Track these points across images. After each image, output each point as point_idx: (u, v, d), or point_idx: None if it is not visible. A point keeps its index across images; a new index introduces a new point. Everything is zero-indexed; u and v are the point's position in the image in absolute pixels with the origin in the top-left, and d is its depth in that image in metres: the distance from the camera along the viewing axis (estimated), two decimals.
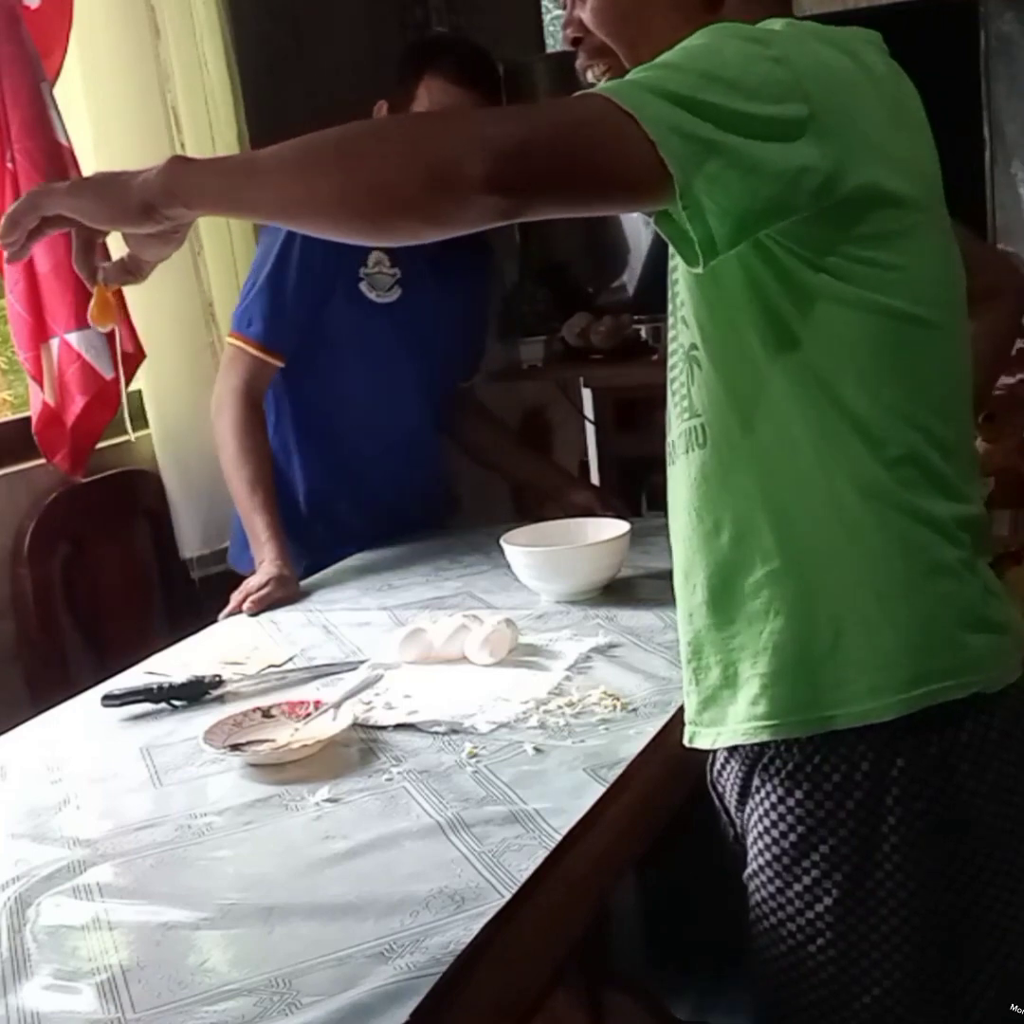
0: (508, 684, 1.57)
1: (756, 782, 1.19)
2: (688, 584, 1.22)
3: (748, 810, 1.21)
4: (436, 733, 1.45)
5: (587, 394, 3.74)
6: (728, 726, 1.19)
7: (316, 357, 2.28)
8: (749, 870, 1.21)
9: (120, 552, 2.48)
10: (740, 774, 1.21)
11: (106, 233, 1.15)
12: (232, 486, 2.20)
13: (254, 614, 1.98)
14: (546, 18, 4.02)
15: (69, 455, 2.31)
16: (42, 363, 2.27)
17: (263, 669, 1.72)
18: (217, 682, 1.65)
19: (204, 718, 1.54)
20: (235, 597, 2.02)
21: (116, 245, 1.20)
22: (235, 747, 1.44)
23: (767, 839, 1.18)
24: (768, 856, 1.18)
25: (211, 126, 2.56)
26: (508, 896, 1.09)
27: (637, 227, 3.60)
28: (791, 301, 1.10)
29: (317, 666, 1.72)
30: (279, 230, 2.21)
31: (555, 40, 4.01)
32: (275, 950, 1.04)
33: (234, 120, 2.60)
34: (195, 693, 1.63)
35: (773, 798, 1.17)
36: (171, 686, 1.64)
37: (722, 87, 0.99)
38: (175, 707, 1.62)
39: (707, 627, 1.20)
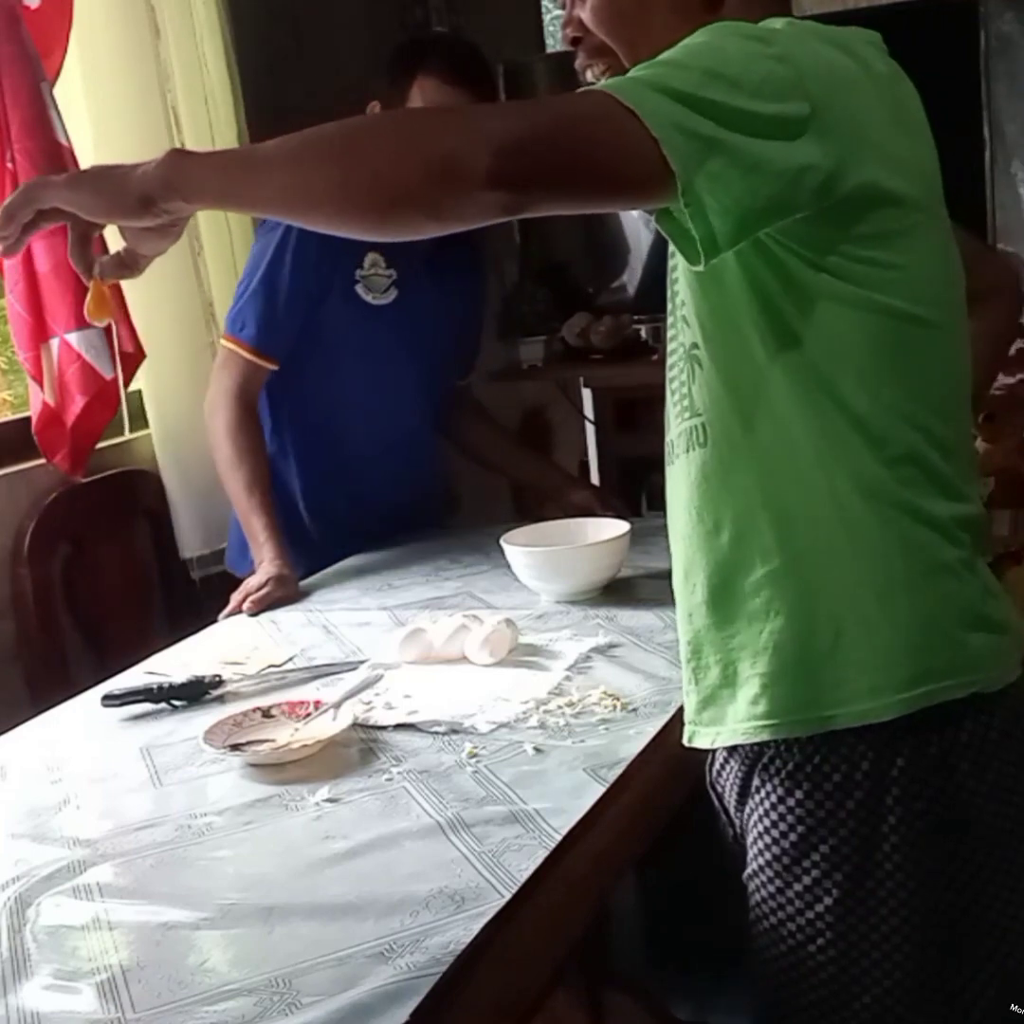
0: (508, 684, 1.57)
1: (756, 782, 1.19)
2: (688, 583, 1.22)
3: (748, 810, 1.21)
4: (436, 733, 1.45)
5: (587, 394, 3.74)
6: (728, 725, 1.19)
7: (313, 359, 2.28)
8: (749, 870, 1.21)
9: (120, 552, 2.48)
10: (740, 774, 1.21)
11: (103, 226, 1.14)
12: (228, 488, 2.20)
13: (254, 614, 1.98)
14: (546, 18, 4.03)
15: (69, 455, 2.31)
16: (42, 363, 2.28)
17: (263, 669, 1.72)
18: (217, 682, 1.65)
19: (204, 718, 1.54)
20: (235, 597, 2.02)
21: (113, 239, 1.19)
22: (235, 747, 1.44)
23: (767, 839, 1.18)
24: (768, 856, 1.18)
25: (211, 126, 2.56)
26: (508, 896, 1.09)
27: (637, 227, 3.60)
28: (791, 300, 1.10)
29: (317, 666, 1.72)
30: (273, 232, 2.21)
31: (555, 40, 4.01)
32: (275, 950, 1.04)
33: (234, 120, 2.60)
34: (195, 693, 1.63)
35: (773, 798, 1.17)
36: (171, 686, 1.64)
37: (724, 85, 0.99)
38: (175, 707, 1.62)
39: (707, 627, 1.20)
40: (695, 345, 1.16)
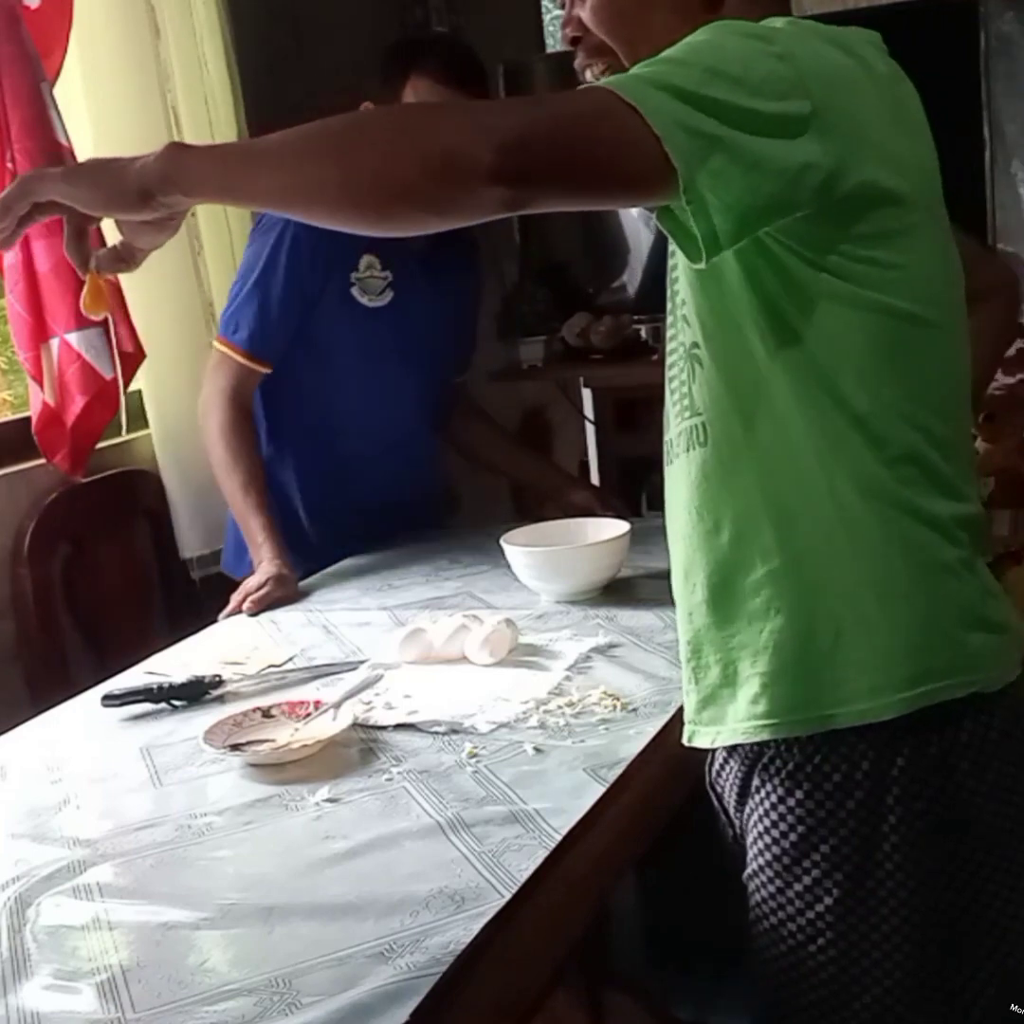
0: (508, 684, 1.57)
1: (756, 782, 1.19)
2: (688, 583, 1.22)
3: (748, 810, 1.21)
4: (436, 733, 1.45)
5: (587, 394, 3.74)
6: (728, 725, 1.19)
7: (309, 362, 2.27)
8: (749, 870, 1.21)
9: (120, 552, 2.49)
10: (739, 774, 1.21)
11: (99, 220, 1.13)
12: (224, 489, 2.20)
13: (254, 614, 1.98)
14: (546, 18, 4.03)
15: (69, 455, 2.31)
16: (42, 363, 2.28)
17: (263, 669, 1.72)
18: (217, 682, 1.65)
19: (204, 718, 1.54)
20: (235, 597, 2.02)
21: (110, 233, 1.19)
22: (235, 747, 1.44)
23: (767, 839, 1.18)
24: (768, 856, 1.18)
25: (211, 126, 2.56)
26: (508, 896, 1.09)
27: (637, 227, 3.60)
28: (792, 300, 1.10)
29: (317, 666, 1.72)
30: (269, 234, 2.20)
31: (555, 40, 4.01)
32: (275, 950, 1.04)
33: (234, 120, 2.61)
34: (195, 693, 1.63)
35: (773, 798, 1.17)
36: (171, 686, 1.64)
37: (726, 83, 0.99)
38: (175, 707, 1.62)
39: (707, 626, 1.20)
40: (695, 344, 1.16)
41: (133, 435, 2.53)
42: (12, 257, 2.23)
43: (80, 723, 1.64)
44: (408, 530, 2.33)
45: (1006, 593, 1.21)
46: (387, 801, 1.29)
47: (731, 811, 1.26)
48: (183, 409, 2.46)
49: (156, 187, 1.05)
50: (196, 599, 2.49)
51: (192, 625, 1.98)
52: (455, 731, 1.44)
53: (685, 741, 1.26)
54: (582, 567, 1.88)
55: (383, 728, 1.47)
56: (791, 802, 1.15)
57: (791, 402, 1.12)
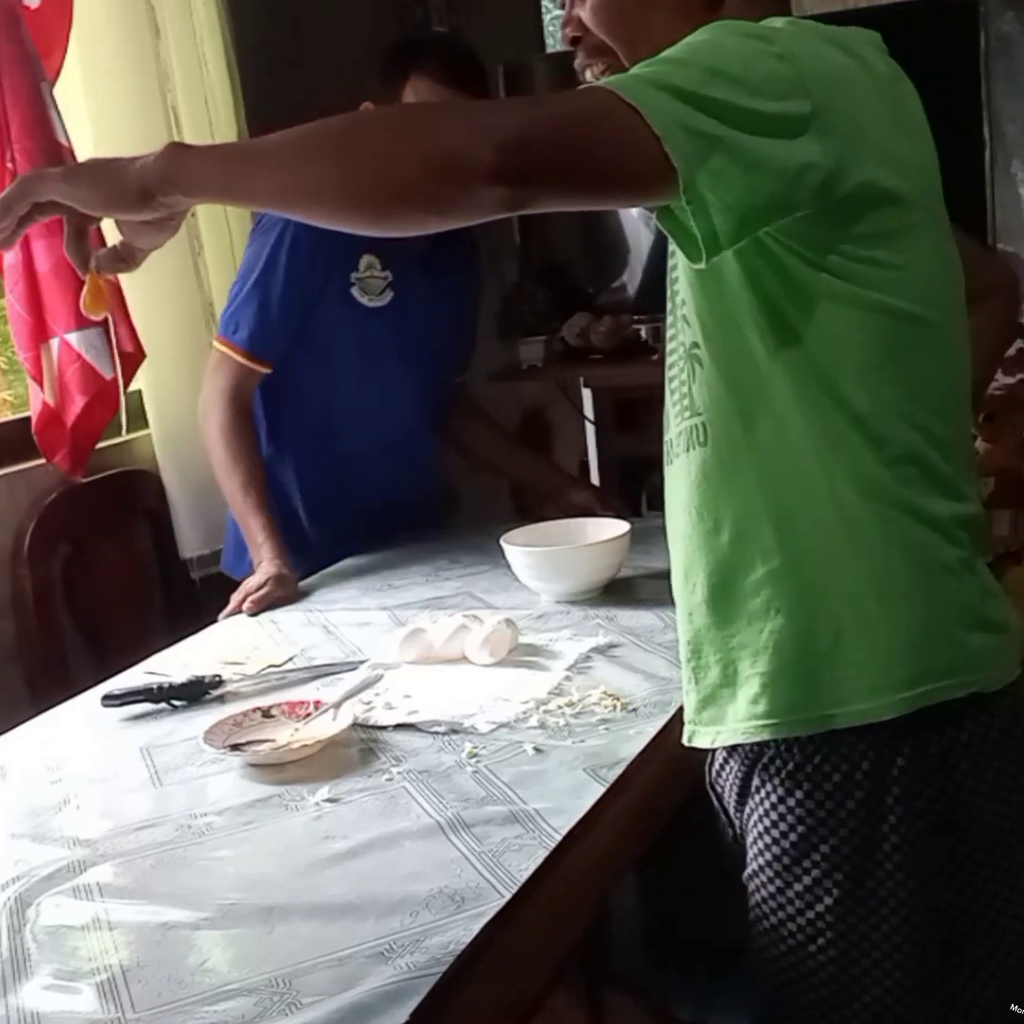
0: (508, 684, 1.57)
1: (756, 782, 1.19)
2: (688, 583, 1.22)
3: (748, 810, 1.21)
4: (436, 733, 1.45)
5: (587, 394, 3.74)
6: (728, 725, 1.19)
7: (309, 362, 2.27)
8: (749, 870, 1.21)
9: (120, 552, 2.49)
10: (739, 774, 1.21)
11: (99, 220, 1.13)
12: (224, 489, 2.20)
13: (254, 614, 1.98)
14: (546, 18, 4.03)
15: (69, 455, 2.31)
16: (42, 363, 2.28)
17: (263, 669, 1.72)
18: (217, 682, 1.65)
19: (204, 718, 1.54)
20: (235, 597, 2.02)
21: (110, 233, 1.18)
22: (235, 747, 1.44)
23: (767, 839, 1.18)
24: (768, 856, 1.18)
25: (211, 126, 2.56)
26: (508, 896, 1.09)
27: (637, 227, 3.60)
28: (792, 300, 1.10)
29: (317, 666, 1.72)
30: (268, 234, 2.20)
31: (555, 40, 4.01)
32: (275, 950, 1.04)
33: (234, 120, 2.61)
34: (195, 693, 1.63)
35: (773, 798, 1.17)
36: (171, 686, 1.64)
37: (726, 83, 0.99)
38: (175, 707, 1.62)
39: (707, 626, 1.20)
40: (695, 344, 1.16)
41: (133, 435, 2.53)
42: (12, 257, 2.23)
43: (80, 723, 1.64)
44: (408, 530, 2.33)
45: (1006, 593, 1.21)
46: (387, 801, 1.29)
47: (731, 811, 1.26)
48: (183, 409, 2.46)
49: (156, 187, 1.04)
50: (196, 599, 2.49)
51: (192, 625, 1.98)
52: (455, 731, 1.44)
53: (685, 741, 1.26)
54: (582, 567, 1.88)
55: (383, 728, 1.47)
56: (791, 802, 1.16)
57: (791, 402, 1.12)
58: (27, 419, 2.30)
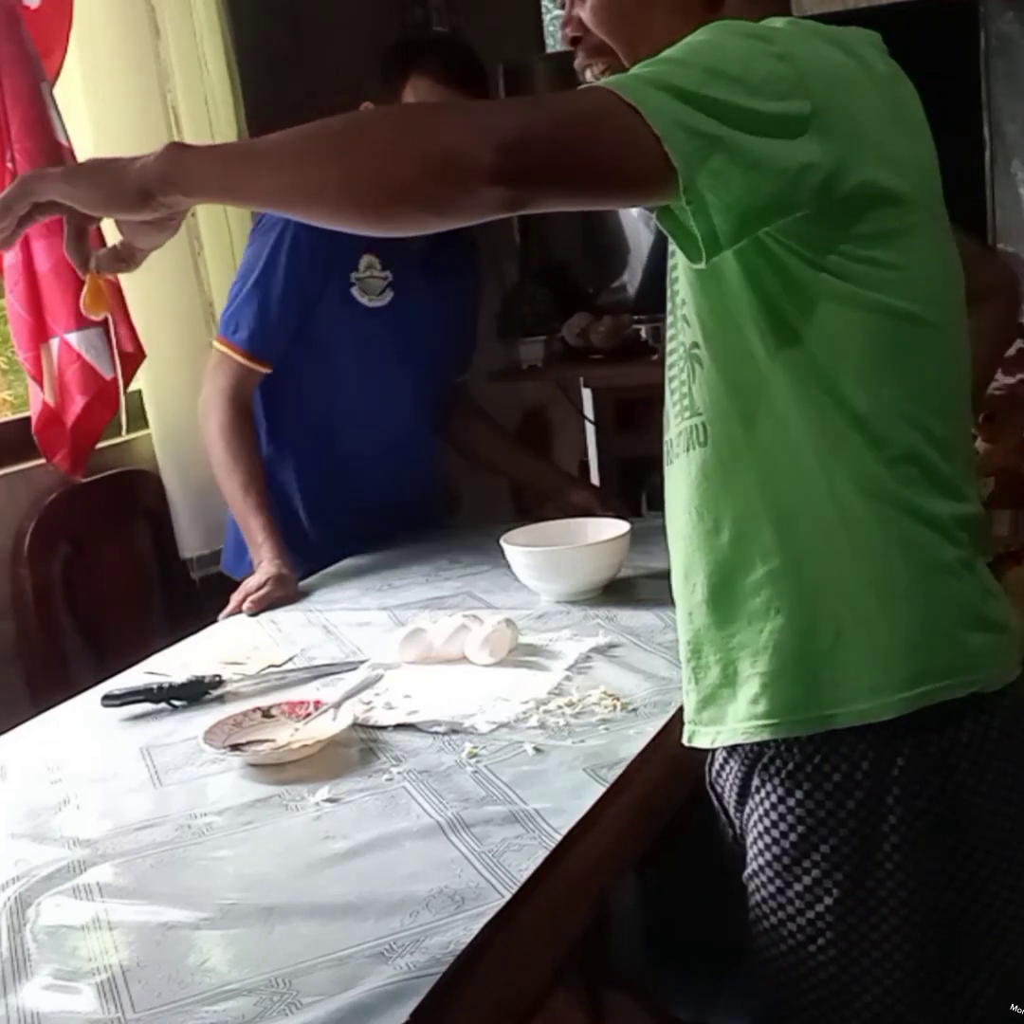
0: (508, 684, 1.57)
1: (756, 782, 1.19)
2: (688, 583, 1.22)
3: (747, 810, 1.21)
4: (436, 733, 1.45)
5: (587, 394, 3.74)
6: (728, 725, 1.19)
7: (309, 362, 2.27)
8: (749, 870, 1.21)
9: (120, 552, 2.49)
10: (739, 774, 1.21)
11: (99, 220, 1.13)
12: (224, 489, 2.20)
13: (254, 614, 1.98)
14: (546, 18, 4.03)
15: (69, 455, 2.31)
16: (42, 363, 2.28)
17: (263, 669, 1.72)
18: (217, 682, 1.65)
19: (204, 718, 1.54)
20: (235, 597, 2.02)
21: (111, 233, 1.18)
22: (235, 747, 1.44)
23: (767, 839, 1.18)
24: (768, 856, 1.18)
25: (211, 126, 2.56)
26: (508, 896, 1.09)
27: (637, 227, 3.60)
28: (792, 300, 1.10)
29: (317, 666, 1.72)
30: (268, 234, 2.20)
31: (555, 40, 4.01)
32: (275, 950, 1.04)
33: (234, 120, 2.61)
34: (195, 693, 1.63)
35: (773, 798, 1.17)
36: (171, 686, 1.64)
37: (726, 83, 0.99)
38: (175, 707, 1.62)
39: (707, 626, 1.20)
40: (695, 344, 1.16)
41: (133, 435, 2.53)
42: (12, 257, 2.23)
43: (80, 723, 1.64)
44: (408, 530, 2.33)
45: (1006, 593, 1.21)
46: (387, 801, 1.29)
47: (731, 811, 1.26)
48: (183, 409, 2.46)
49: (156, 187, 1.04)
50: (196, 599, 2.49)
51: (192, 625, 1.98)
52: (455, 731, 1.44)
53: (685, 741, 1.26)
54: (582, 567, 1.88)
55: (383, 728, 1.47)
56: (791, 802, 1.16)
57: (791, 402, 1.12)
58: (27, 419, 2.30)
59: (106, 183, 1.06)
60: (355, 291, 2.26)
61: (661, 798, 1.34)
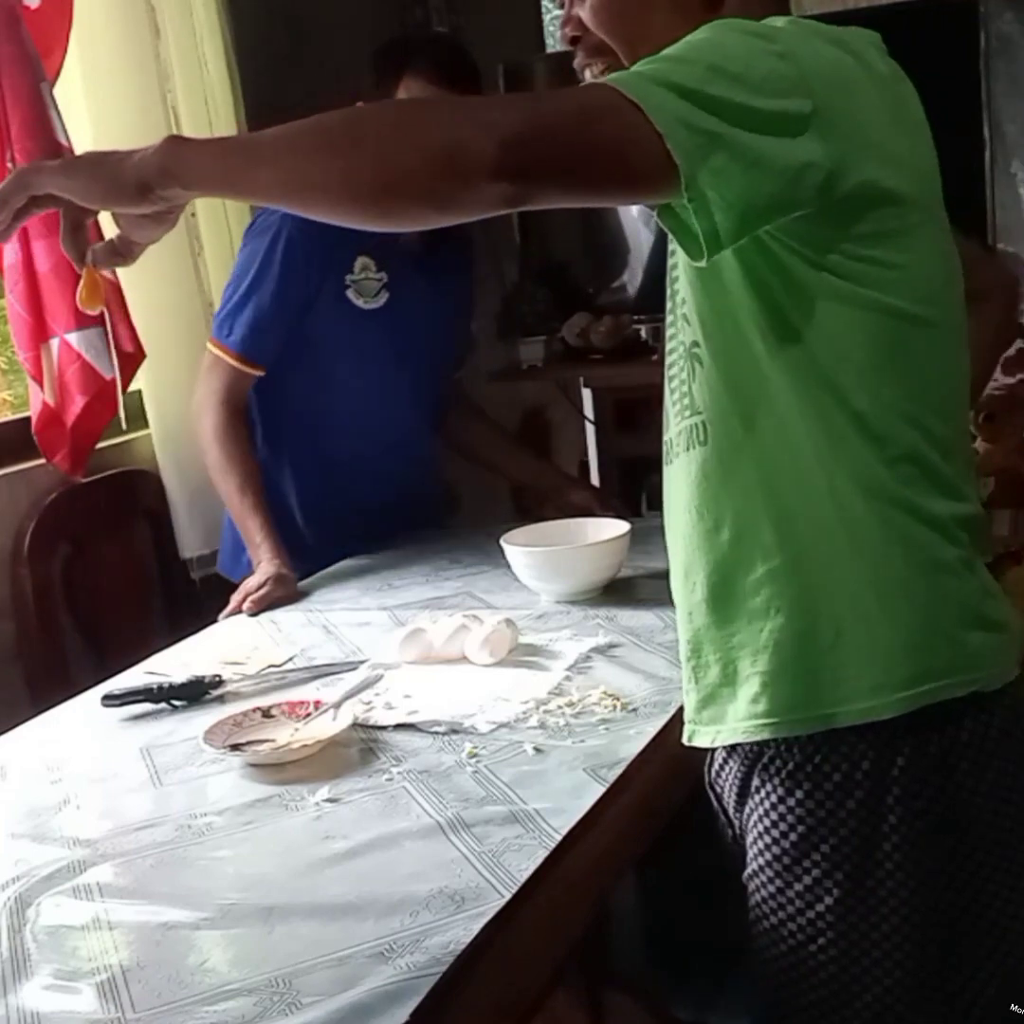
0: (508, 684, 1.57)
1: (755, 782, 1.19)
2: (688, 582, 1.22)
3: (747, 810, 1.21)
4: (436, 733, 1.45)
5: (587, 394, 3.74)
6: (728, 724, 1.19)
7: (305, 364, 2.27)
8: (749, 870, 1.21)
9: (120, 552, 2.49)
10: (739, 774, 1.21)
11: (96, 213, 1.12)
12: (221, 491, 2.20)
13: (254, 614, 1.98)
14: (546, 18, 4.02)
15: (69, 455, 2.31)
16: (42, 363, 2.28)
17: (263, 669, 1.72)
18: (217, 682, 1.65)
19: (204, 718, 1.54)
20: (234, 597, 2.02)
21: (109, 230, 1.18)
22: (235, 747, 1.44)
23: (767, 839, 1.18)
24: (768, 856, 1.18)
25: (211, 126, 2.56)
26: (508, 896, 1.09)
27: (637, 227, 3.60)
28: (792, 299, 1.10)
29: (317, 666, 1.71)
30: (262, 236, 2.19)
31: (555, 40, 4.00)
32: (275, 950, 1.04)
33: (234, 120, 2.61)
34: (195, 693, 1.63)
35: (773, 798, 1.17)
36: (171, 686, 1.64)
37: (728, 81, 0.99)
38: (175, 707, 1.62)
39: (707, 625, 1.20)
40: (696, 343, 1.16)
41: (133, 435, 2.53)
42: (12, 257, 2.24)
43: (80, 723, 1.64)
44: (407, 530, 2.32)
45: (1006, 593, 1.21)
46: (387, 801, 1.29)
47: (731, 811, 1.26)
48: (183, 409, 2.46)
49: (155, 180, 1.04)
50: (196, 599, 2.49)
51: (192, 625, 1.98)
52: (455, 731, 1.44)
53: (685, 740, 1.26)
54: (582, 567, 1.88)
55: (383, 728, 1.47)
56: (791, 802, 1.15)
57: (791, 401, 1.12)
58: (27, 419, 2.30)
59: (104, 176, 1.06)
60: (350, 293, 2.26)
61: (661, 798, 1.34)
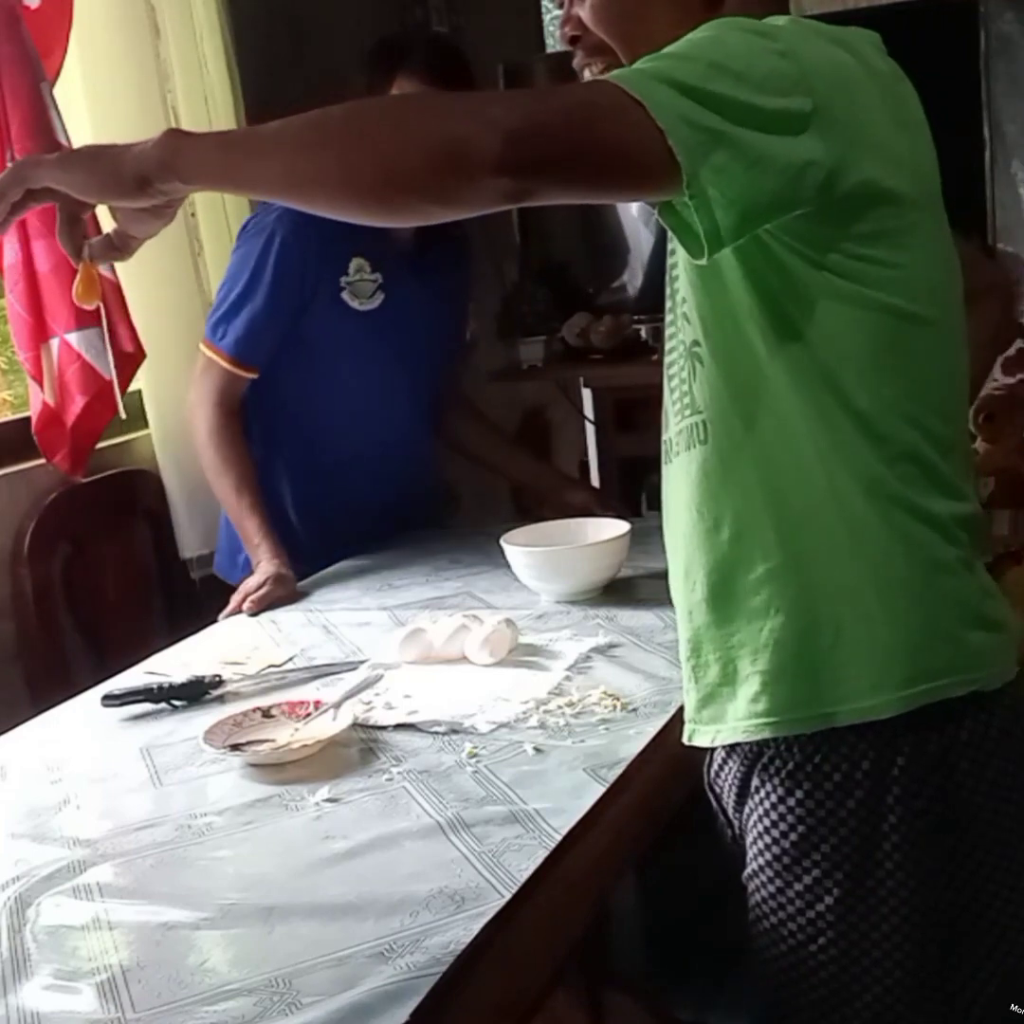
0: (508, 684, 1.57)
1: (755, 782, 1.19)
2: (688, 581, 1.22)
3: (747, 810, 1.21)
4: (436, 733, 1.45)
5: (587, 394, 3.74)
6: (728, 723, 1.19)
7: (301, 366, 2.26)
8: (749, 870, 1.21)
9: (120, 552, 2.49)
10: (739, 774, 1.21)
11: (93, 207, 1.12)
12: (217, 492, 2.20)
13: (254, 614, 1.98)
14: (546, 18, 4.02)
15: (69, 455, 2.31)
16: (42, 363, 2.28)
17: (263, 669, 1.72)
18: (217, 682, 1.65)
19: (204, 718, 1.54)
20: (234, 597, 2.02)
21: (107, 225, 1.18)
22: (235, 747, 1.43)
23: (767, 839, 1.18)
24: (768, 856, 1.18)
25: (211, 126, 2.56)
26: (508, 896, 1.09)
27: (637, 227, 3.60)
28: (792, 298, 1.10)
29: (317, 666, 1.71)
30: (256, 239, 2.19)
31: (555, 40, 4.00)
32: (275, 950, 1.04)
33: (234, 120, 2.60)
34: (195, 693, 1.63)
35: (773, 798, 1.17)
36: (171, 686, 1.64)
37: (729, 78, 0.99)
38: (175, 707, 1.62)
39: (706, 624, 1.20)
40: (696, 342, 1.16)
41: (133, 435, 2.53)
42: (12, 257, 2.23)
43: (80, 723, 1.64)
44: (405, 531, 2.32)
45: (1006, 593, 1.21)
46: (387, 801, 1.29)
47: (730, 811, 1.26)
48: (183, 409, 2.46)
49: (154, 174, 1.03)
50: (196, 599, 2.49)
51: (192, 625, 1.98)
52: (455, 731, 1.44)
53: (685, 740, 1.26)
54: (582, 567, 1.88)
55: (383, 728, 1.47)
56: (791, 802, 1.15)
57: (792, 400, 1.12)
58: (27, 419, 2.30)
59: (102, 169, 1.05)
60: (345, 295, 2.25)
61: (661, 798, 1.34)
